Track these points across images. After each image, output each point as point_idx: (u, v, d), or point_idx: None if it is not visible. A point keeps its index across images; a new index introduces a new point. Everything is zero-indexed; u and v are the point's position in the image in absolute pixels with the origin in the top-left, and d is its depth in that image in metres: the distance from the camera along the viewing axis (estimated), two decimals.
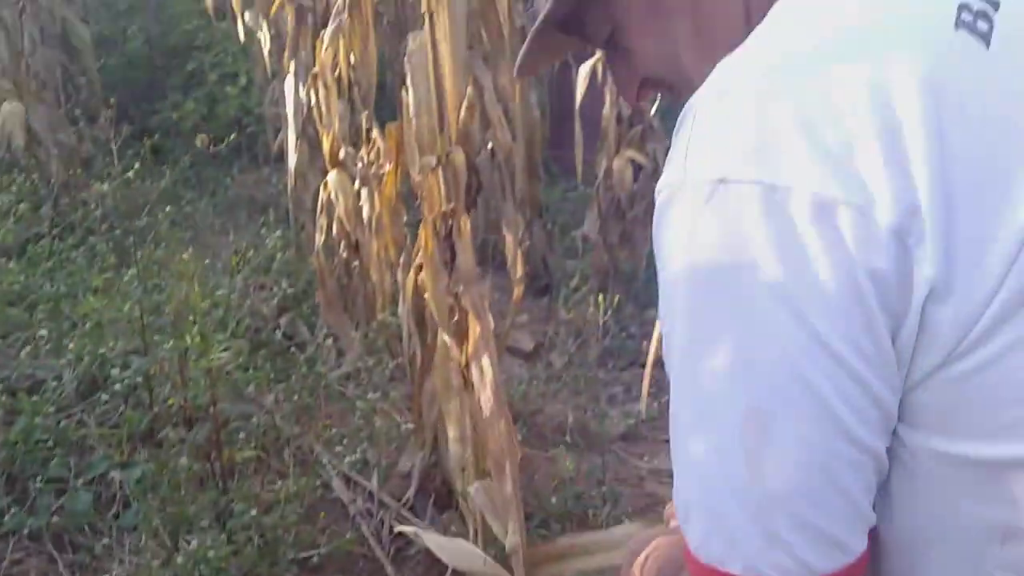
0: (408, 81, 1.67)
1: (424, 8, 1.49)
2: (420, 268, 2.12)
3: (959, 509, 0.57)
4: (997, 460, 0.55)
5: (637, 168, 3.78)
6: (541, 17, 0.76)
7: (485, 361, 1.37)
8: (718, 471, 0.57)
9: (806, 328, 0.53)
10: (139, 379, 2.25)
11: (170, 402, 2.12)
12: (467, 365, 1.43)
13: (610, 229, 3.83)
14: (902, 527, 0.60)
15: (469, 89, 1.97)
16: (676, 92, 0.76)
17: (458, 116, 1.51)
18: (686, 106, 0.60)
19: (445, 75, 1.50)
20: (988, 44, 0.56)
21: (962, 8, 0.56)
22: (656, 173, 3.57)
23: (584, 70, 3.56)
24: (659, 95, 3.62)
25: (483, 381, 1.36)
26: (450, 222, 1.55)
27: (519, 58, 0.81)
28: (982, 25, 0.56)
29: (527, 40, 0.78)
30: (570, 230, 4.84)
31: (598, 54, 3.77)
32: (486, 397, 1.35)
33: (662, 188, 0.58)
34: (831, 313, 0.52)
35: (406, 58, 1.68)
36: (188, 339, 1.95)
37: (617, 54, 0.77)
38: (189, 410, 2.15)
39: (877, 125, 0.52)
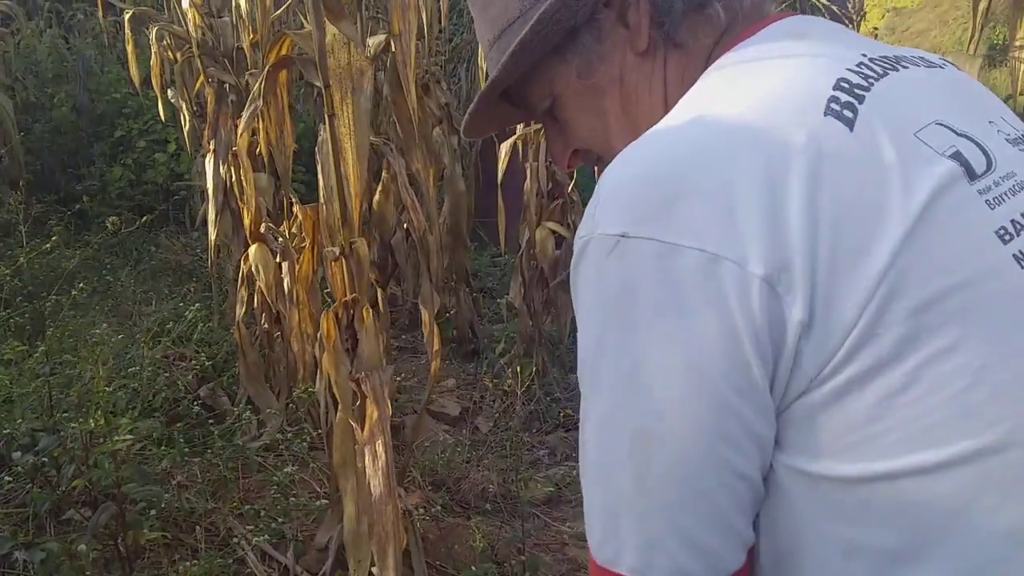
0: (319, 170, 1.73)
1: (329, 103, 1.55)
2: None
3: (816, 526, 0.65)
4: (844, 477, 0.63)
5: (558, 238, 3.89)
6: (487, 83, 0.87)
7: (379, 446, 1.41)
8: (611, 482, 0.66)
9: (690, 366, 0.62)
10: (45, 458, 2.22)
11: (75, 484, 2.10)
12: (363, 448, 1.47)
13: (534, 296, 3.91)
14: (775, 544, 0.68)
15: (384, 174, 2.04)
16: (603, 162, 0.86)
17: (360, 207, 1.57)
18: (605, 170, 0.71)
19: (349, 168, 1.56)
20: (852, 128, 0.66)
21: (831, 100, 0.67)
22: None
23: (505, 146, 3.67)
24: (576, 170, 3.75)
25: (375, 466, 1.40)
26: (351, 311, 1.60)
27: (464, 120, 0.92)
28: (847, 114, 0.66)
29: (473, 104, 0.90)
30: (498, 296, 4.94)
31: (519, 131, 3.91)
32: (376, 482, 1.39)
33: (577, 239, 0.68)
34: (711, 353, 0.62)
35: (317, 147, 1.74)
36: (93, 421, 1.95)
37: (555, 125, 0.90)
38: (95, 491, 2.13)
39: (759, 193, 0.62)
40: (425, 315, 2.05)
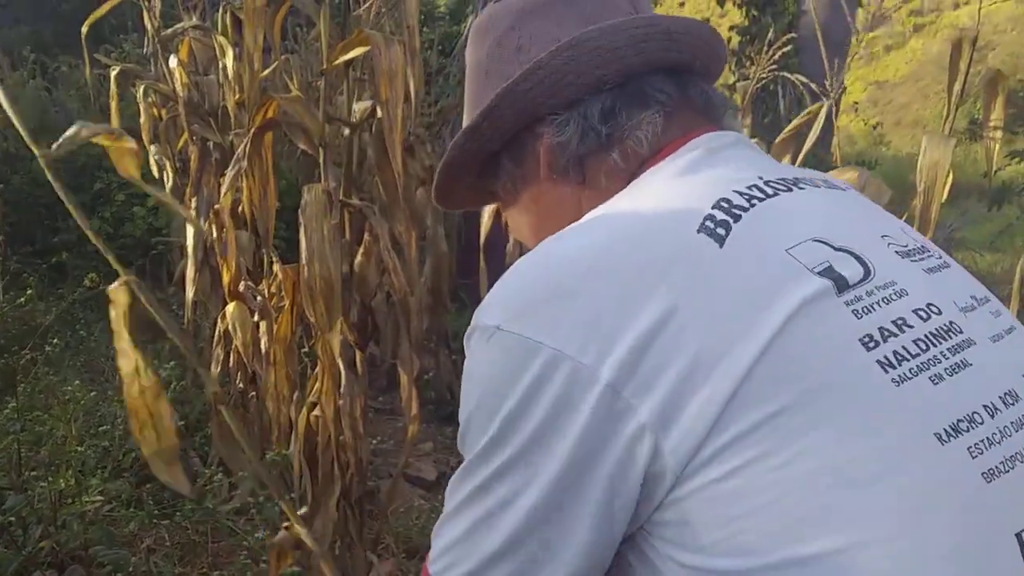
0: (302, 231, 1.72)
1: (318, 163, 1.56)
2: (313, 406, 2.13)
3: None
4: (719, 570, 0.65)
5: None
6: (442, 163, 0.95)
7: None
8: (466, 538, 0.74)
9: (532, 465, 0.70)
10: (12, 518, 2.15)
11: (42, 545, 2.03)
12: None
13: None
14: None
15: (366, 236, 2.04)
16: None
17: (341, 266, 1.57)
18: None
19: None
20: (722, 245, 0.70)
21: (707, 218, 0.72)
22: None
23: (488, 209, 3.69)
24: None
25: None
26: None
27: (433, 189, 1.01)
28: (720, 231, 0.71)
29: (436, 176, 0.97)
30: None
31: None
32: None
33: (473, 325, 0.76)
34: (557, 453, 0.69)
35: (300, 209, 1.74)
36: (63, 480, 1.90)
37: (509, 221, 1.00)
38: (62, 553, 2.06)
39: (622, 303, 0.67)
40: (404, 378, 2.03)
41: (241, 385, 2.92)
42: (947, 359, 0.70)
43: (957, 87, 2.24)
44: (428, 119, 5.30)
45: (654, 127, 0.84)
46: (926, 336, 0.71)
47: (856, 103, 12.67)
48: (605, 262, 0.71)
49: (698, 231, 0.71)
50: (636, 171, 0.84)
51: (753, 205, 0.74)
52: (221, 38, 2.58)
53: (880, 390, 0.66)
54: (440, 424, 4.08)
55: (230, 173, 2.06)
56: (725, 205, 0.73)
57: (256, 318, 2.72)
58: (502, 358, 0.72)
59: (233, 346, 2.84)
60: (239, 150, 2.03)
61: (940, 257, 0.81)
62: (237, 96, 2.52)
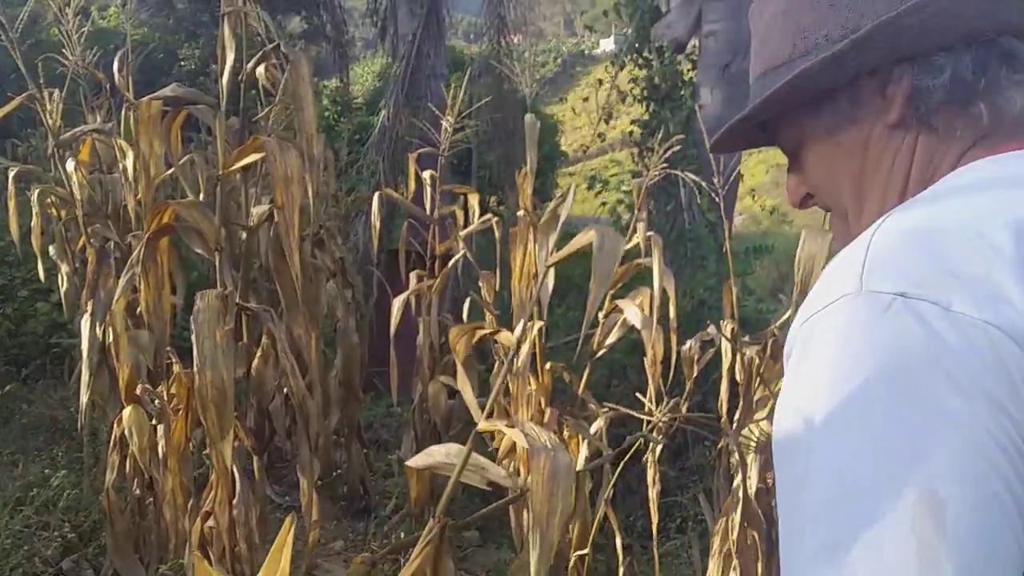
0: (194, 338, 1.71)
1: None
2: (207, 515, 2.07)
3: None
4: None
5: (451, 392, 3.88)
6: (742, 114, 0.91)
7: None
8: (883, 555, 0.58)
9: (978, 414, 0.60)
10: None
11: None
12: None
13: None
14: None
15: (264, 340, 2.03)
16: (829, 211, 0.92)
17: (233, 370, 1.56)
18: (857, 240, 0.72)
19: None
20: None
21: None
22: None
23: (398, 301, 3.71)
24: None
25: None
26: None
27: (715, 138, 0.96)
28: None
29: (726, 127, 0.94)
30: (393, 448, 4.84)
31: (413, 285, 3.97)
32: None
33: (823, 300, 0.68)
34: (994, 408, 0.60)
35: (192, 315, 1.73)
36: None
37: (796, 163, 0.93)
38: None
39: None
40: (304, 483, 2.00)
41: (138, 491, 2.82)
42: None
43: None
44: (341, 210, 5.33)
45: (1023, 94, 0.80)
46: None
47: (753, 189, 13.21)
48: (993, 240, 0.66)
49: None
50: (994, 131, 0.81)
51: None
52: (122, 141, 2.58)
53: None
54: (352, 520, 3.99)
55: (124, 279, 2.04)
56: None
57: (154, 421, 2.65)
58: (919, 330, 0.64)
59: (130, 451, 2.75)
60: (133, 255, 2.01)
61: None
62: (136, 197, 2.50)
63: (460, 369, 1.98)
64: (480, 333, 2.62)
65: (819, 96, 0.86)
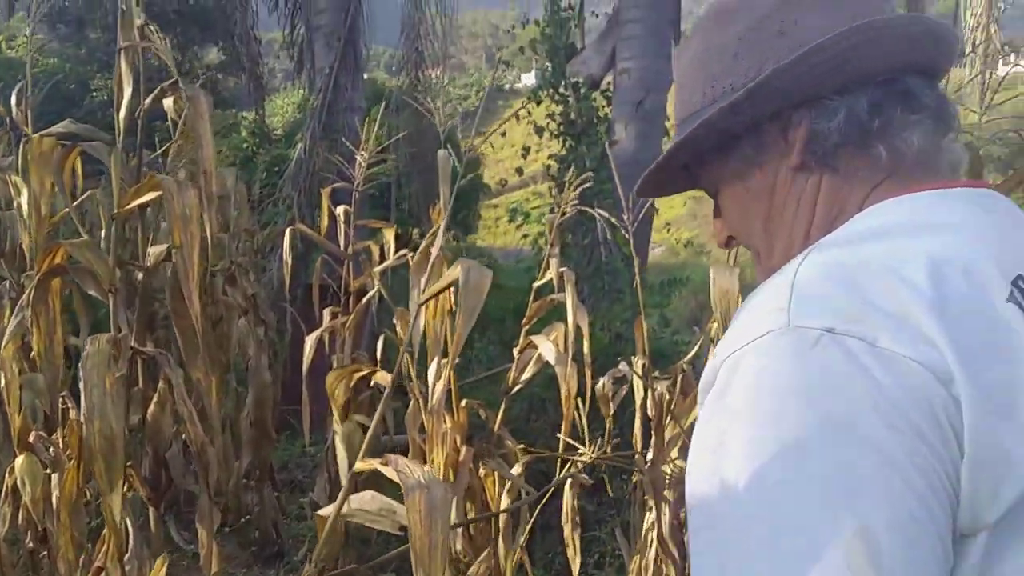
0: (81, 385, 1.63)
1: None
2: (100, 570, 1.97)
3: None
4: None
5: (364, 431, 3.81)
6: (656, 163, 0.93)
7: None
8: None
9: (907, 450, 0.61)
10: None
11: None
12: None
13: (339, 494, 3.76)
14: None
15: (161, 385, 1.95)
16: (752, 252, 0.94)
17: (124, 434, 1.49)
18: (777, 277, 0.74)
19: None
20: None
21: (1012, 291, 0.69)
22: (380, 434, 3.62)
23: (310, 339, 3.64)
24: None
25: None
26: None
27: (638, 184, 0.98)
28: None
29: (646, 173, 0.95)
30: (308, 489, 4.72)
31: (327, 322, 3.90)
32: None
33: (747, 338, 0.68)
34: (921, 443, 0.61)
35: (80, 363, 1.65)
36: None
37: (717, 207, 0.96)
38: None
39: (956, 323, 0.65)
40: (203, 533, 1.92)
41: (31, 544, 2.67)
42: None
43: None
44: (254, 245, 5.22)
45: (924, 133, 0.82)
46: None
47: (668, 222, 13.50)
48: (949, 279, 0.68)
49: (1007, 300, 0.69)
50: (896, 171, 0.82)
51: None
52: (16, 178, 2.48)
53: None
54: (263, 566, 3.86)
55: (13, 322, 1.95)
56: (1022, 285, 0.71)
57: (49, 470, 2.53)
58: (845, 365, 0.67)
59: (23, 502, 2.61)
60: (23, 298, 1.92)
61: None
62: (30, 237, 2.40)
63: (380, 407, 1.95)
64: (358, 375, 2.60)
65: (725, 142, 0.89)
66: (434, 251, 1.66)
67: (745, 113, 0.85)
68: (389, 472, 1.59)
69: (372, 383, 3.86)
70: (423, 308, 2.59)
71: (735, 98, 0.84)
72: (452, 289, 3.02)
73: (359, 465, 1.60)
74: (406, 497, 1.48)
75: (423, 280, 1.80)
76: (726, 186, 0.93)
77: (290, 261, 4.04)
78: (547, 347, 2.77)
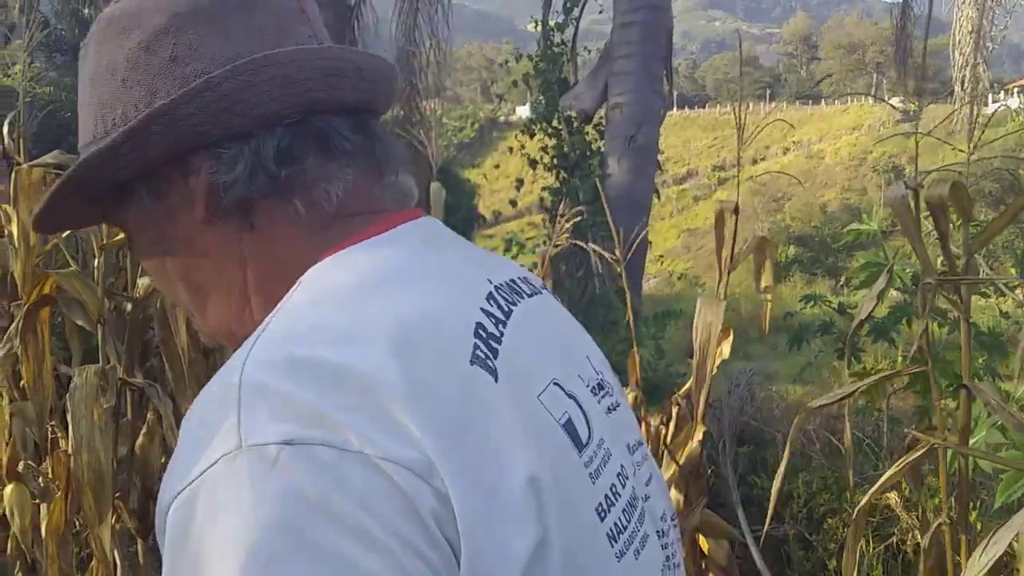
0: (69, 417, 1.63)
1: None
2: None
3: None
4: None
5: None
6: (47, 196, 0.74)
7: None
8: None
9: (391, 564, 0.53)
10: None
11: None
12: None
13: None
14: None
15: (150, 416, 1.95)
16: (186, 312, 0.79)
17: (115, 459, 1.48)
18: (223, 373, 0.60)
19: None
20: (496, 379, 0.63)
21: (475, 348, 0.63)
22: None
23: None
24: None
25: None
26: None
27: (36, 216, 0.77)
28: (491, 363, 0.63)
29: (41, 207, 0.75)
30: None
31: None
32: None
33: (204, 468, 0.55)
34: (408, 552, 0.54)
35: (68, 394, 1.65)
36: None
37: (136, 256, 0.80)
38: None
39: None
40: None
41: (20, 575, 2.64)
42: (639, 529, 0.70)
43: (725, 253, 2.43)
44: None
45: (344, 183, 0.72)
46: (627, 505, 0.70)
47: (662, 254, 13.56)
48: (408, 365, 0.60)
49: (471, 362, 0.63)
50: (327, 224, 0.71)
51: (502, 335, 0.67)
52: (7, 206, 2.48)
53: (610, 569, 0.65)
54: None
55: (2, 350, 1.94)
56: (483, 334, 0.65)
57: (38, 500, 2.51)
58: (317, 476, 0.58)
59: (11, 532, 2.59)
60: (11, 327, 1.92)
61: (610, 390, 0.79)
62: (20, 266, 2.40)
63: None
64: None
65: (120, 186, 0.73)
66: None
67: (127, 158, 0.69)
68: None
69: None
70: None
71: (114, 138, 0.69)
72: None
73: None
74: None
75: None
76: (134, 234, 0.78)
77: None
78: None
